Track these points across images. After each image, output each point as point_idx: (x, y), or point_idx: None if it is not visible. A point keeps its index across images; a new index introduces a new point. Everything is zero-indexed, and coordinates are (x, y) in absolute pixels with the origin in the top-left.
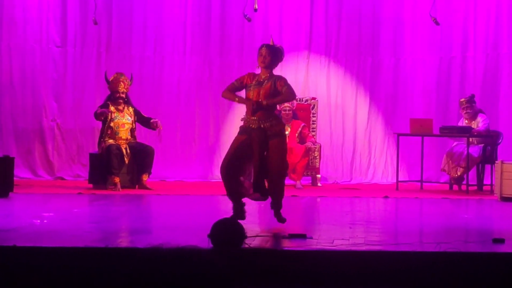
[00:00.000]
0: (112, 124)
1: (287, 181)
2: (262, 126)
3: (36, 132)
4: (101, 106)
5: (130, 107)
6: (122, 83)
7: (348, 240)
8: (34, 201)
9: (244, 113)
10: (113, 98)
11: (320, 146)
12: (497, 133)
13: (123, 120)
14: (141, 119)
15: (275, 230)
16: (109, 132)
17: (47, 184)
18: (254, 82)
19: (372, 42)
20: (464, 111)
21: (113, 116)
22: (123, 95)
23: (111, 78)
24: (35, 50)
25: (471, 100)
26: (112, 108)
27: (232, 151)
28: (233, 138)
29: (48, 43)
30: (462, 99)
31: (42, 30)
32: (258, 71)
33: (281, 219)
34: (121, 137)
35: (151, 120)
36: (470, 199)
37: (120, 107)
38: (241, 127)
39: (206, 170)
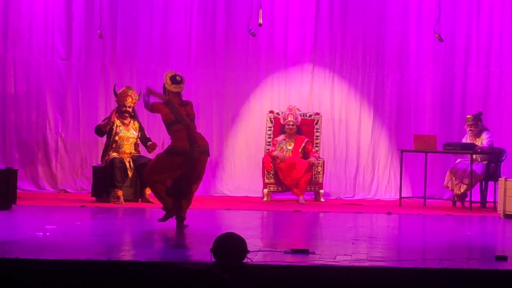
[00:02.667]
0: (117, 138)
1: (291, 196)
2: None
3: (39, 145)
4: (107, 118)
5: (136, 122)
6: (129, 97)
7: (351, 256)
8: (37, 214)
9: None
10: (120, 111)
11: (324, 162)
12: (500, 150)
13: (128, 134)
14: (142, 137)
15: (278, 245)
16: (113, 145)
17: (50, 196)
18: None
19: (376, 57)
20: (469, 128)
21: (118, 130)
22: (130, 109)
23: (119, 92)
24: (40, 62)
25: (477, 118)
26: (117, 122)
27: None
28: (237, 152)
29: (53, 55)
30: (469, 116)
31: (47, 42)
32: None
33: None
34: (125, 151)
35: (148, 143)
36: (473, 216)
37: (126, 121)
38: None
39: (209, 184)
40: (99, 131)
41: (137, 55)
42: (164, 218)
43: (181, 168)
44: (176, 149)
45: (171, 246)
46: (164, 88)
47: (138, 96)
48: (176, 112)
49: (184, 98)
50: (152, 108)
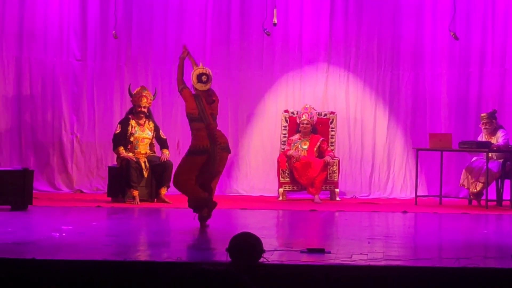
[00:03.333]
0: (132, 139)
1: (306, 196)
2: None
3: (55, 145)
4: (122, 122)
5: (151, 122)
6: (144, 98)
7: (367, 255)
8: (52, 214)
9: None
10: (135, 112)
11: (339, 161)
12: None
13: (143, 134)
14: (158, 137)
15: (294, 245)
16: (129, 146)
17: (66, 197)
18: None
19: (391, 56)
20: (484, 126)
21: (133, 131)
22: (145, 110)
23: (134, 92)
24: (55, 63)
25: (492, 116)
26: (132, 122)
27: None
28: (252, 151)
29: (68, 56)
30: (483, 114)
31: (63, 43)
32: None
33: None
34: (140, 151)
35: (161, 155)
36: (489, 214)
37: (141, 121)
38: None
39: (224, 183)
40: (116, 141)
41: (152, 55)
42: (200, 216)
43: (204, 166)
44: (197, 148)
45: (187, 246)
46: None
47: (154, 96)
48: (201, 109)
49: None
50: (182, 92)
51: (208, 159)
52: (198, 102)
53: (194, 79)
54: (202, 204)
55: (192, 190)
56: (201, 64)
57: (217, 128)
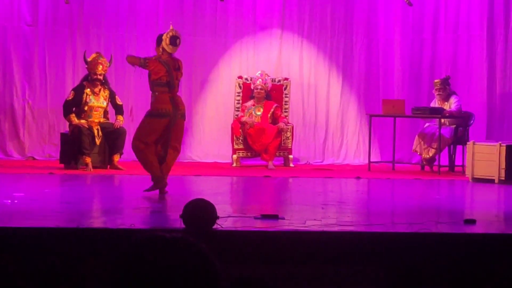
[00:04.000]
0: (86, 108)
1: (260, 162)
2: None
3: (7, 112)
4: (75, 89)
5: (106, 90)
6: (100, 65)
7: (320, 220)
8: (4, 181)
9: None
10: (90, 79)
11: (293, 127)
12: (468, 114)
13: (98, 103)
14: (114, 104)
15: (247, 211)
16: (82, 115)
17: (18, 164)
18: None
19: (345, 22)
20: (437, 93)
21: (88, 99)
22: (101, 77)
23: (89, 59)
24: (6, 29)
25: (445, 82)
26: (87, 91)
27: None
28: (206, 118)
29: (19, 21)
30: (437, 80)
31: (13, 9)
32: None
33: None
34: (93, 120)
35: (115, 122)
36: (441, 180)
37: (96, 90)
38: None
39: None
40: (67, 108)
41: (104, 20)
42: (152, 188)
43: (164, 131)
44: (160, 111)
45: (141, 213)
46: (158, 43)
47: (109, 63)
48: (171, 75)
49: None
50: (147, 63)
51: (168, 124)
52: (167, 68)
53: (167, 40)
54: (155, 180)
55: (147, 163)
56: (171, 26)
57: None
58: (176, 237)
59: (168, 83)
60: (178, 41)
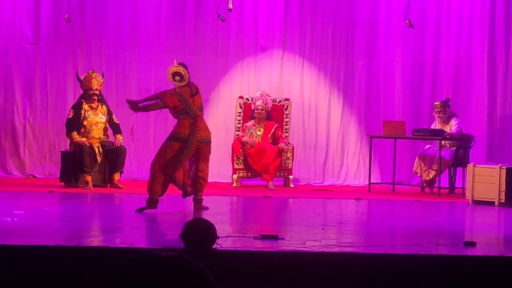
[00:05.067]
0: (85, 123)
1: (260, 182)
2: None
3: (7, 130)
4: (74, 106)
5: (104, 106)
6: (95, 80)
7: (320, 241)
8: (4, 199)
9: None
10: (87, 96)
11: (293, 147)
12: (469, 136)
13: (97, 118)
14: (110, 122)
15: (247, 231)
16: (82, 131)
17: (18, 182)
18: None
19: (346, 44)
20: (438, 115)
21: (86, 115)
22: (97, 92)
23: (83, 77)
24: (7, 47)
25: (445, 104)
26: (85, 106)
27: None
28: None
29: (21, 40)
30: (437, 102)
31: (15, 27)
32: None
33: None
34: (94, 136)
35: (115, 141)
36: (441, 202)
37: (94, 105)
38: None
39: None
40: (70, 126)
41: (106, 40)
42: (142, 209)
43: (177, 153)
44: (177, 135)
45: (140, 232)
46: None
47: (102, 78)
48: (187, 104)
49: (152, 83)
50: (164, 104)
51: (181, 148)
52: (181, 98)
53: (170, 77)
54: (149, 203)
55: (151, 184)
56: (175, 61)
57: (202, 118)
58: (172, 256)
59: (187, 112)
60: (177, 77)
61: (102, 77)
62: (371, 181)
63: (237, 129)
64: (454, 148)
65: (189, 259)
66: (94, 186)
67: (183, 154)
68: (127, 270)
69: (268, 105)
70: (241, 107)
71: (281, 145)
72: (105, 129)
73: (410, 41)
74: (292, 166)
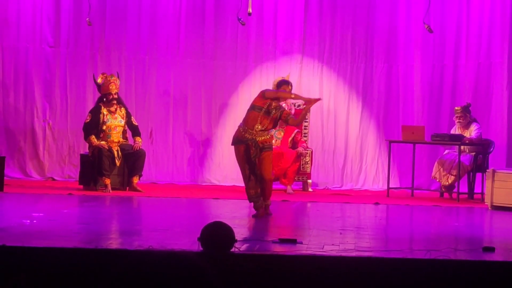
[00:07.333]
0: (104, 127)
1: (279, 186)
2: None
3: (27, 132)
4: (92, 110)
5: (122, 108)
6: (113, 84)
7: (338, 246)
8: (24, 201)
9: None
10: (106, 100)
11: (312, 152)
12: (488, 142)
13: (116, 122)
14: (129, 124)
15: (265, 235)
16: (101, 135)
17: (38, 184)
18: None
19: (365, 48)
20: (458, 120)
21: (105, 119)
22: (116, 96)
23: (100, 80)
24: (28, 50)
25: (466, 109)
26: (104, 110)
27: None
28: (225, 142)
29: (41, 43)
30: (457, 108)
31: (36, 30)
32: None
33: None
34: (113, 140)
35: (134, 144)
36: (460, 207)
37: (113, 109)
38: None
39: (197, 173)
40: (87, 130)
41: (126, 43)
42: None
43: (245, 155)
44: (235, 137)
45: (159, 235)
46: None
47: (118, 79)
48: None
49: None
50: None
51: (246, 148)
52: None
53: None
54: (250, 199)
55: (245, 181)
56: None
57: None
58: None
59: (260, 109)
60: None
61: (118, 78)
62: (390, 186)
63: None
64: (474, 153)
65: (202, 263)
66: (113, 189)
67: (251, 156)
68: (144, 273)
69: (292, 109)
70: None
71: (300, 149)
72: (124, 132)
73: (430, 46)
74: (310, 171)
